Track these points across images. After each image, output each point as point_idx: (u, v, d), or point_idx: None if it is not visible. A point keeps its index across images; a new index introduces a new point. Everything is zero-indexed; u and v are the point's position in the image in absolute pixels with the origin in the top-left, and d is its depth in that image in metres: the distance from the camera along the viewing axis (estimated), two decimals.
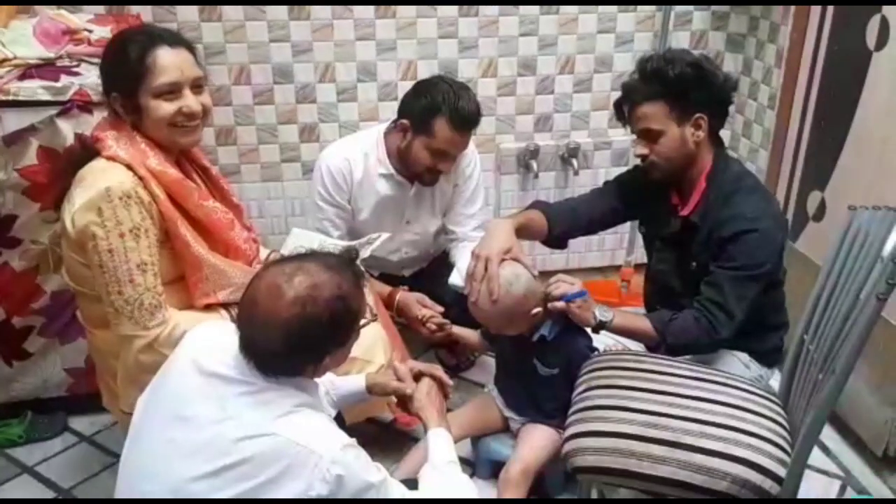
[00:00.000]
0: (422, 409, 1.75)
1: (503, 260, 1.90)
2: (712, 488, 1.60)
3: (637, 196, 2.16)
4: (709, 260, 1.95)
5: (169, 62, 1.70)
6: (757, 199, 1.94)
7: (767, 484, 1.59)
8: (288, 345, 1.32)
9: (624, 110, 2.03)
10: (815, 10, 2.54)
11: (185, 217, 1.78)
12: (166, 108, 1.70)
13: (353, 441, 1.37)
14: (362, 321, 1.47)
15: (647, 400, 1.74)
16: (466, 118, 2.27)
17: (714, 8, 3.01)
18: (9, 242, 2.15)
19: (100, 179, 1.66)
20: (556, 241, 2.24)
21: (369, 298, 1.75)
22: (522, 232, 2.06)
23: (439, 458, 1.62)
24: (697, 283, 1.98)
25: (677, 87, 1.91)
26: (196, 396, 1.36)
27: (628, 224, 3.10)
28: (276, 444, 1.29)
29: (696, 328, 1.92)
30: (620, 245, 3.26)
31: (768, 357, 2.12)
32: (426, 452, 1.66)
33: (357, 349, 1.57)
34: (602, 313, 1.95)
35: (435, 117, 2.25)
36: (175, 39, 1.75)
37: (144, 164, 1.70)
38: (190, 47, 1.78)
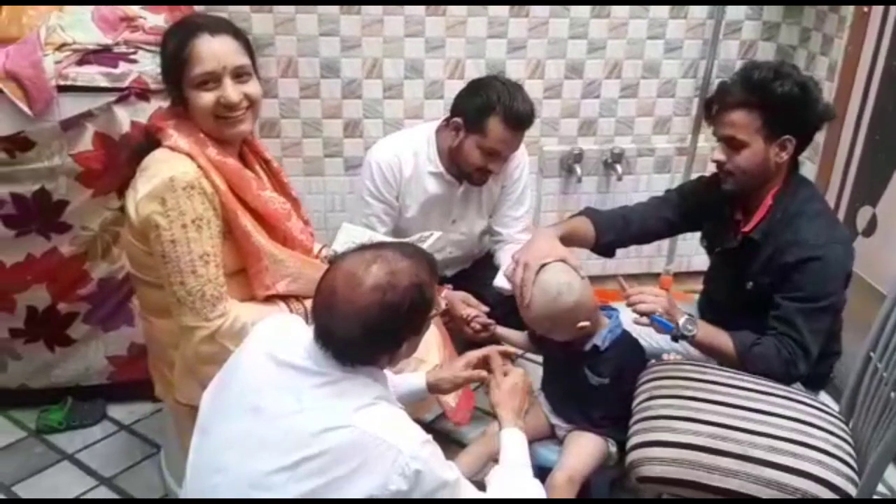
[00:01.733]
0: (499, 403, 1.69)
1: (545, 265, 1.82)
2: None
3: (699, 208, 2.10)
4: (767, 284, 1.88)
5: (206, 51, 1.66)
6: (820, 225, 1.85)
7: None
8: (367, 331, 1.30)
9: (712, 109, 1.94)
10: (874, 25, 2.52)
11: (245, 207, 1.75)
12: (206, 98, 1.67)
13: (430, 437, 1.35)
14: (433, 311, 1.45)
15: (713, 412, 1.71)
16: (520, 118, 2.25)
17: (765, 18, 2.99)
18: (59, 227, 2.14)
19: (164, 169, 1.64)
20: (604, 249, 2.19)
21: None
22: (567, 241, 2.00)
23: (512, 460, 1.58)
24: (749, 303, 1.92)
25: (778, 103, 1.81)
26: (271, 387, 1.34)
27: None
28: (354, 437, 1.27)
29: (776, 359, 1.83)
30: (659, 253, 3.25)
31: (813, 382, 2.04)
32: (498, 451, 1.62)
33: None
34: (685, 325, 1.85)
35: (489, 116, 2.23)
36: (219, 27, 1.70)
37: (204, 153, 1.68)
38: (237, 34, 1.72)
